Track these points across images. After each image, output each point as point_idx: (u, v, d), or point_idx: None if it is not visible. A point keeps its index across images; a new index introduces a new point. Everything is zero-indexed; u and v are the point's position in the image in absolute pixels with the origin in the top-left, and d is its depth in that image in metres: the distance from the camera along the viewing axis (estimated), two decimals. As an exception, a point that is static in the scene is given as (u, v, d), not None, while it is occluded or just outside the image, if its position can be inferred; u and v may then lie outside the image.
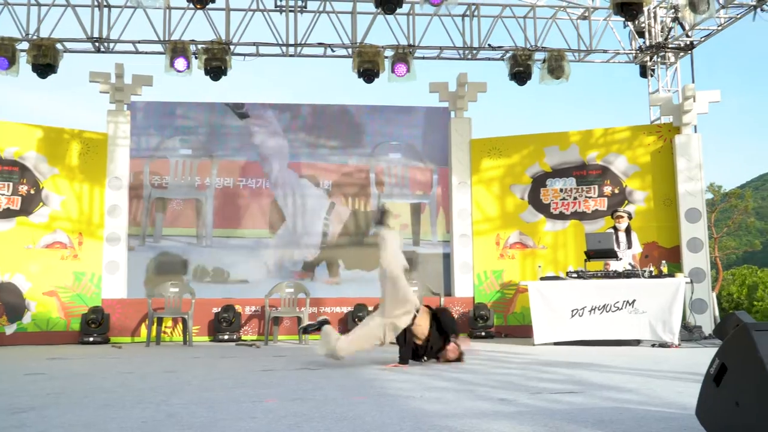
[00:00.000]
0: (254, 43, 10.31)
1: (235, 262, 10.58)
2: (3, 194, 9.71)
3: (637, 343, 8.05)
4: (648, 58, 10.97)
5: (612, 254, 8.42)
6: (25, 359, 7.06)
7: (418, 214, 11.01)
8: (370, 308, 9.96)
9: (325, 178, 10.92)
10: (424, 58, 10.62)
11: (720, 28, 10.14)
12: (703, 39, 10.49)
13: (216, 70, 9.83)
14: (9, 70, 9.50)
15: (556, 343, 8.06)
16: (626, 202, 10.34)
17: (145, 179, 10.58)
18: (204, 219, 10.63)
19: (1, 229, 9.65)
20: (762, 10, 9.40)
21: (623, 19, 9.77)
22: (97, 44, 10.06)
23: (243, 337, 9.89)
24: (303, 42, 10.23)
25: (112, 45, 10.17)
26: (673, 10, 10.46)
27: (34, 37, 9.72)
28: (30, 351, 8.22)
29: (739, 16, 9.78)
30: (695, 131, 10.23)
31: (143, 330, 9.69)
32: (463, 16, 10.54)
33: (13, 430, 2.94)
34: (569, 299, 8.14)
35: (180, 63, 9.76)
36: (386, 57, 10.05)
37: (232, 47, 10.10)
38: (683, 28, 10.42)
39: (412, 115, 11.22)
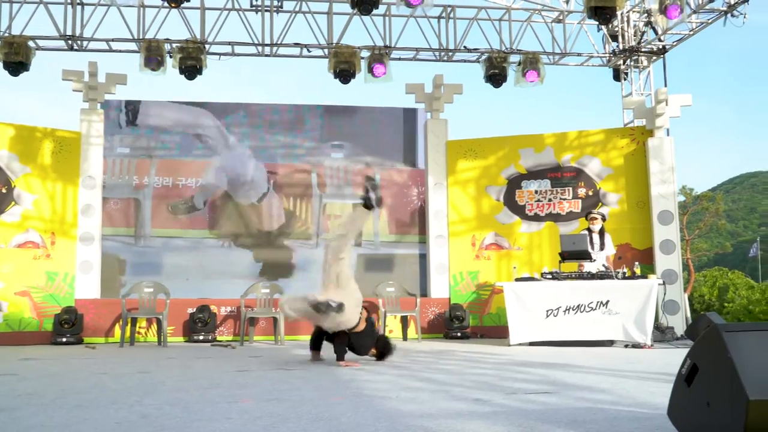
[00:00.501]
0: (230, 43, 10.27)
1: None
2: (-27, 193, 9.58)
3: (610, 343, 8.17)
4: (621, 61, 11.11)
5: (586, 255, 8.51)
6: None
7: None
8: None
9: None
10: (400, 59, 10.66)
11: (692, 32, 10.30)
12: (675, 43, 10.65)
13: (191, 69, 9.78)
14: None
15: (531, 344, 8.15)
16: (600, 204, 10.47)
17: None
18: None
19: (-29, 229, 9.52)
20: (732, 15, 9.55)
21: (597, 22, 9.88)
22: (70, 42, 9.96)
23: (218, 338, 9.85)
24: (279, 42, 10.22)
25: (85, 43, 10.07)
26: (646, 15, 10.62)
27: (6, 35, 9.60)
28: (1, 352, 8.11)
29: (710, 21, 9.94)
30: (668, 134, 10.38)
31: (117, 330, 9.60)
32: (439, 18, 10.60)
33: (-16, 431, 2.93)
34: (544, 300, 8.24)
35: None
36: (362, 58, 10.08)
37: (207, 46, 10.06)
38: (656, 32, 10.57)
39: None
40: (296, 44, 10.35)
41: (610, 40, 11.11)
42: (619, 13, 10.10)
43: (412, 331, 10.03)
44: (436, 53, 10.68)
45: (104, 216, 10.35)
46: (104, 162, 10.44)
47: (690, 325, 8.62)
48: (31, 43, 9.66)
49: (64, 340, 9.28)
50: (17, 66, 9.49)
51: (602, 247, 8.92)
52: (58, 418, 3.27)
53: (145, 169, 10.65)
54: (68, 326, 9.37)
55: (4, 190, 9.78)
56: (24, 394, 4.21)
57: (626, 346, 7.97)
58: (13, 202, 9.82)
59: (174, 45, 9.85)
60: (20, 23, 9.64)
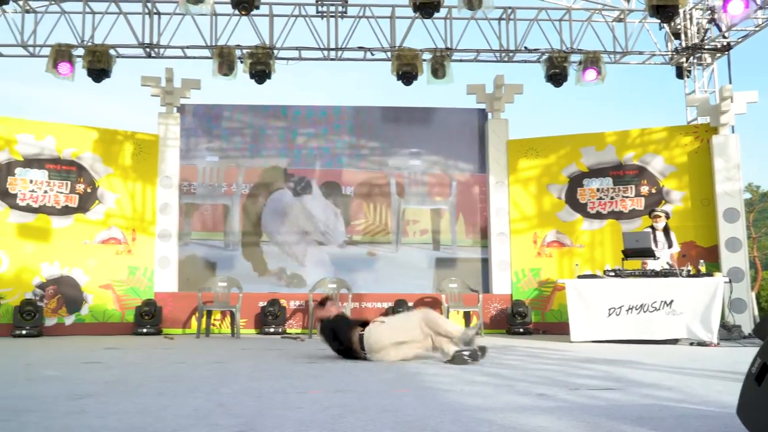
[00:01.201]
0: (297, 48, 10.65)
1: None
2: (62, 192, 10.23)
3: (675, 341, 8.01)
4: (684, 59, 11.02)
5: (649, 253, 8.44)
6: (83, 349, 7.32)
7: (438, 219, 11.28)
8: (410, 303, 10.27)
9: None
10: (461, 60, 10.85)
11: (757, 28, 10.15)
12: (740, 40, 10.50)
13: (260, 73, 10.20)
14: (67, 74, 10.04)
15: (593, 341, 8.09)
16: (663, 201, 10.42)
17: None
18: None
19: (60, 226, 10.18)
20: (800, 10, 9.42)
21: (659, 21, 9.86)
22: (147, 50, 10.51)
23: (288, 330, 10.24)
24: (343, 46, 10.55)
25: (161, 50, 10.60)
26: (709, 12, 10.52)
27: (89, 44, 10.22)
28: (87, 341, 8.56)
29: (777, 16, 9.82)
30: (733, 131, 10.24)
31: (194, 322, 10.13)
32: (500, 19, 10.73)
33: (74, 415, 3.05)
34: (606, 298, 8.19)
35: (63, 67, 10.01)
36: (424, 60, 10.31)
37: (275, 52, 10.47)
38: (719, 29, 10.46)
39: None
40: (360, 48, 10.67)
41: (672, 38, 11.01)
42: (681, 10, 10.05)
43: (473, 327, 10.18)
44: (497, 54, 10.82)
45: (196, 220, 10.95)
46: (193, 168, 11.02)
47: (758, 323, 8.53)
48: (111, 51, 10.25)
49: (145, 330, 9.83)
50: (99, 73, 10.08)
51: (667, 245, 8.83)
52: (141, 405, 3.37)
53: (233, 176, 11.16)
54: (148, 318, 9.92)
55: (89, 190, 10.42)
56: (110, 381, 4.37)
57: (691, 344, 7.83)
58: (97, 201, 10.45)
59: (244, 51, 10.29)
60: (102, 33, 10.30)
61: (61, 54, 10.03)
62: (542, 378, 4.64)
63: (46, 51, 10.21)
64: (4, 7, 9.72)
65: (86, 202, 10.38)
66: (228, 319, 10.20)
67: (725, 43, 10.58)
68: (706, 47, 10.68)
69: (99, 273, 10.26)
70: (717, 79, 10.84)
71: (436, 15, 9.56)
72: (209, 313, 9.85)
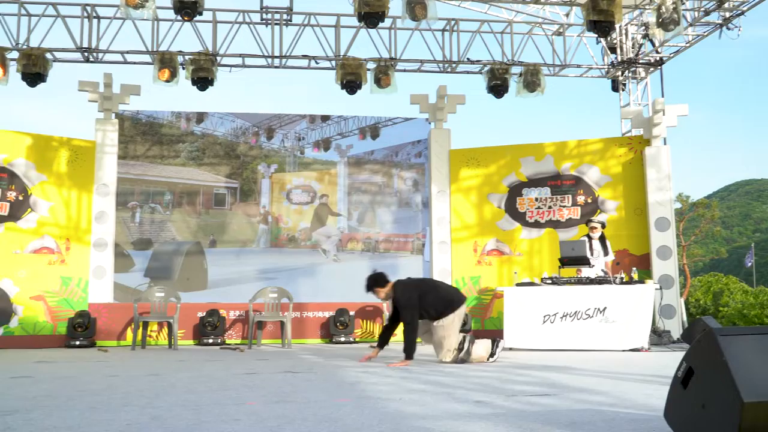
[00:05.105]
0: (240, 55, 10.57)
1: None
2: (-8, 200, 9.88)
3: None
4: (619, 73, 11.39)
5: (585, 261, 8.67)
6: (12, 363, 7.07)
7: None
8: (352, 313, 10.27)
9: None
10: (405, 70, 10.95)
11: (688, 45, 10.58)
12: (672, 55, 10.93)
13: (203, 80, 10.06)
14: (-1, 78, 9.71)
15: (526, 350, 8.16)
16: (599, 211, 10.70)
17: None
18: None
19: (-11, 235, 9.82)
20: (728, 28, 9.83)
21: (596, 35, 10.15)
22: (86, 54, 10.27)
23: (227, 341, 10.11)
24: (288, 54, 10.51)
25: (100, 55, 10.38)
26: (643, 28, 10.91)
27: (24, 47, 9.91)
28: (16, 354, 8.26)
29: (706, 33, 10.22)
30: (664, 143, 10.60)
31: (129, 334, 9.88)
32: (443, 30, 10.87)
33: (-2, 432, 2.99)
34: (542, 305, 8.35)
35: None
36: (369, 69, 10.37)
37: (218, 58, 10.36)
38: (653, 44, 10.84)
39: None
40: (305, 56, 10.65)
41: (608, 52, 11.37)
42: (617, 26, 10.38)
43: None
44: (440, 65, 10.96)
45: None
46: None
47: (686, 329, 8.78)
48: (48, 55, 9.96)
49: (78, 343, 9.53)
50: (35, 77, 9.78)
51: (602, 253, 9.08)
52: (71, 420, 3.30)
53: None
54: (81, 330, 9.63)
55: (20, 198, 10.09)
56: (38, 396, 4.25)
57: (624, 349, 8.04)
58: (29, 209, 10.12)
59: (186, 57, 10.15)
60: (38, 36, 10.02)
61: (-7, 57, 9.70)
62: (480, 385, 4.72)
63: (-22, 54, 9.85)
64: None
65: (18, 210, 10.04)
66: (165, 330, 10.00)
67: (658, 58, 10.97)
68: (640, 62, 11.05)
69: (30, 284, 9.93)
70: (650, 93, 11.22)
71: (380, 25, 9.59)
72: (145, 325, 9.64)
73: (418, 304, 6.71)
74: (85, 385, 4.95)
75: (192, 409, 3.63)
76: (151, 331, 9.93)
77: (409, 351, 6.60)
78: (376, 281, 6.92)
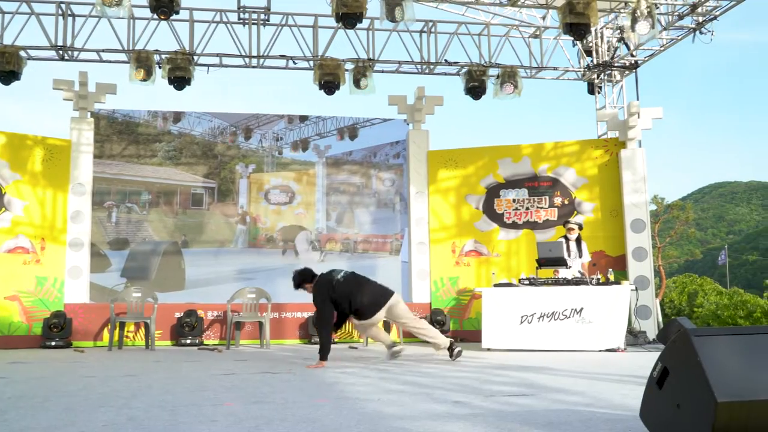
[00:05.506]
0: (218, 54, 10.52)
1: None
2: (-35, 200, 9.74)
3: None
4: (595, 75, 11.52)
5: (562, 262, 8.75)
6: None
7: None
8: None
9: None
10: (383, 71, 10.97)
11: (662, 48, 10.73)
12: (646, 58, 11.07)
13: (180, 79, 10.00)
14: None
15: (504, 350, 8.25)
16: (575, 212, 10.81)
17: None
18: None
19: (-38, 235, 9.68)
20: (701, 32, 10.00)
21: (572, 38, 10.25)
22: (61, 52, 10.16)
23: (205, 342, 10.06)
24: (265, 54, 10.49)
25: (76, 53, 10.28)
26: (618, 31, 11.05)
27: (-2, 44, 9.80)
28: (-9, 355, 8.17)
29: (679, 38, 10.38)
30: (640, 146, 10.73)
31: (106, 334, 9.80)
32: (421, 32, 10.92)
33: (-28, 434, 2.98)
34: (519, 306, 8.42)
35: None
36: (347, 70, 10.38)
37: (195, 58, 10.31)
38: (628, 48, 10.98)
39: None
40: (282, 56, 10.64)
41: (584, 55, 11.50)
42: (593, 29, 10.48)
43: (393, 335, 10.27)
44: (418, 66, 11.00)
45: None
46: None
47: (661, 329, 8.94)
48: (22, 53, 9.84)
49: (53, 344, 9.44)
50: (8, 75, 9.65)
51: (579, 254, 9.19)
52: (46, 421, 3.28)
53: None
54: (57, 330, 9.53)
55: (-6, 197, 9.96)
56: (12, 397, 4.23)
57: (600, 349, 8.12)
58: (3, 208, 9.99)
59: (163, 56, 10.08)
60: (12, 33, 9.88)
61: (-35, 54, 9.56)
62: (458, 385, 4.77)
63: (-50, 50, 9.70)
64: None
65: (-9, 209, 9.92)
66: (142, 330, 9.92)
67: (633, 61, 11.11)
68: (616, 65, 11.19)
69: (4, 284, 9.80)
70: (626, 96, 11.36)
71: (358, 26, 9.61)
72: (122, 325, 9.56)
73: (331, 304, 6.62)
74: (61, 386, 4.93)
75: (169, 410, 3.64)
76: (128, 331, 9.86)
77: (322, 352, 6.49)
78: (303, 278, 6.75)
